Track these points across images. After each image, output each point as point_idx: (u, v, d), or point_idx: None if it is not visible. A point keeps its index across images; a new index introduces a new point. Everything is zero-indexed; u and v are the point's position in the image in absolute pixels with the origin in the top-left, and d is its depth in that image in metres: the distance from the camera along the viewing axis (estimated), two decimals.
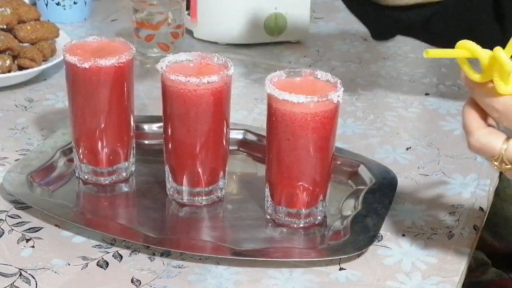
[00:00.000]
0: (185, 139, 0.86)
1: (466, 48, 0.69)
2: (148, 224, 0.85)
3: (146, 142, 1.02)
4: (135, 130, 0.94)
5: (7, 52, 1.16)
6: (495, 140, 0.69)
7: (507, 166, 0.69)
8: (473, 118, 0.71)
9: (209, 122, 0.85)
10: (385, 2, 0.98)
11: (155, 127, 1.02)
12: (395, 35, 1.10)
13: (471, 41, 0.69)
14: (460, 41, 0.69)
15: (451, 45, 0.71)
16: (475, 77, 0.69)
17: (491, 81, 0.68)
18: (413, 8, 0.98)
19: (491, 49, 0.68)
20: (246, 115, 1.11)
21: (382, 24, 1.05)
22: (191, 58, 0.88)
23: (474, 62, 0.70)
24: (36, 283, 0.76)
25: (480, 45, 0.69)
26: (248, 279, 0.77)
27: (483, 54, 0.68)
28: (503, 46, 0.67)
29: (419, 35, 1.06)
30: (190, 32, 1.37)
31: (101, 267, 0.78)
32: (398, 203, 0.90)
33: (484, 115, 0.71)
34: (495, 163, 0.70)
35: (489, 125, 0.71)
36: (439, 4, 0.98)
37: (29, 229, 0.84)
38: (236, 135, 1.01)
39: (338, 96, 0.81)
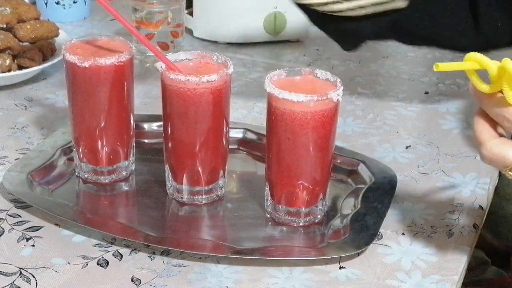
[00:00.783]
0: (185, 138, 0.86)
1: (474, 60, 0.69)
2: (148, 223, 0.85)
3: (146, 141, 1.02)
4: (135, 129, 0.94)
5: (7, 51, 1.16)
6: (508, 150, 0.69)
7: None
8: (484, 128, 0.70)
9: (209, 121, 0.85)
10: (331, 10, 0.96)
11: (155, 126, 1.02)
12: (358, 45, 1.07)
13: (479, 53, 0.69)
14: (468, 54, 0.69)
15: (427, 41, 0.70)
16: (484, 88, 0.69)
17: (501, 91, 0.68)
18: (367, 19, 0.97)
19: (467, 47, 0.67)
20: (245, 114, 1.11)
21: (342, 35, 1.05)
22: (191, 57, 0.88)
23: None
24: (36, 282, 0.76)
25: (454, 42, 0.68)
26: (248, 278, 0.77)
27: (492, 65, 0.68)
28: (477, 43, 0.67)
29: (389, 39, 1.06)
30: (189, 31, 1.37)
31: (101, 266, 0.79)
32: (398, 202, 0.90)
33: (494, 125, 0.70)
34: (510, 172, 0.69)
35: (500, 135, 0.70)
36: (396, 13, 0.96)
37: (29, 228, 0.84)
38: (235, 134, 1.01)
39: (338, 95, 0.81)
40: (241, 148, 1.01)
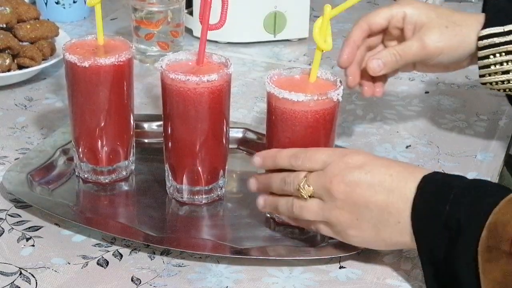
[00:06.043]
0: (185, 137, 0.86)
1: None
2: (148, 223, 0.85)
3: (146, 140, 1.02)
4: (134, 128, 0.94)
5: (6, 51, 1.16)
6: None
7: None
8: None
9: (209, 120, 0.85)
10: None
11: (154, 125, 1.02)
12: None
13: None
14: None
15: None
16: None
17: None
18: None
19: None
20: (245, 114, 1.11)
21: None
22: (191, 57, 0.88)
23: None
24: (36, 282, 0.76)
25: None
26: (248, 278, 0.77)
27: None
28: None
29: None
30: (189, 31, 1.37)
31: (101, 266, 0.78)
32: None
33: None
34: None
35: None
36: None
37: (29, 228, 0.84)
38: (236, 133, 1.01)
39: (338, 94, 0.81)
40: (241, 147, 1.01)
